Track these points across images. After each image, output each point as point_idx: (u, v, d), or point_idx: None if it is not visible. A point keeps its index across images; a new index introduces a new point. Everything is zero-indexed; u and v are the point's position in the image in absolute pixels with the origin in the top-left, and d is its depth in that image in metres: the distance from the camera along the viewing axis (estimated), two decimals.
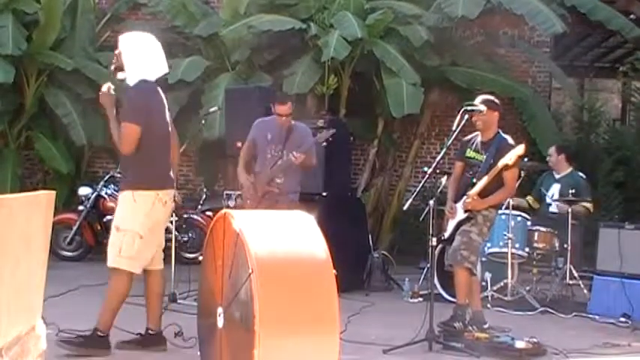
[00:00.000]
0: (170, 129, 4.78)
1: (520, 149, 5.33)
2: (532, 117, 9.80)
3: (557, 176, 7.55)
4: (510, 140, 5.50)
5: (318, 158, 7.39)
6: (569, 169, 7.57)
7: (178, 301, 6.16)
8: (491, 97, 5.65)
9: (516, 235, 6.80)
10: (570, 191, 7.08)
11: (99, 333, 4.51)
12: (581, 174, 7.53)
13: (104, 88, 4.61)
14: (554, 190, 7.48)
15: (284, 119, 6.04)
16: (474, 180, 5.42)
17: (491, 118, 5.51)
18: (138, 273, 4.58)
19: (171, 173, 4.72)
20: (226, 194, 7.72)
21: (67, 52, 9.71)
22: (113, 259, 4.50)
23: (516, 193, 6.53)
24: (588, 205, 7.26)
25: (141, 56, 4.58)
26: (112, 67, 4.70)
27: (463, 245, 5.39)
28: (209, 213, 8.76)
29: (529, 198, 7.63)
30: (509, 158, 5.26)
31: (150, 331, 4.67)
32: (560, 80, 10.52)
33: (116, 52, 4.65)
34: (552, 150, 7.71)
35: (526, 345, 4.90)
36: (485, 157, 5.47)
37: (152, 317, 4.71)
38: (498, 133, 5.55)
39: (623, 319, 6.11)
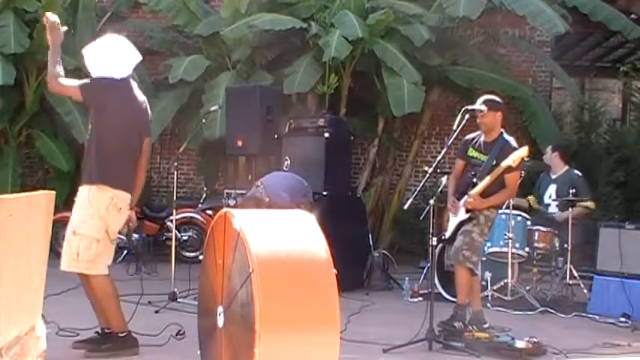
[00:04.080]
0: (140, 136, 4.69)
1: (524, 151, 5.33)
2: (533, 116, 9.80)
3: (553, 176, 7.54)
4: (514, 143, 5.50)
5: (319, 157, 7.44)
6: (565, 168, 7.55)
7: (178, 300, 6.16)
8: (493, 97, 5.65)
9: (516, 234, 6.80)
10: (571, 191, 7.07)
11: (120, 334, 4.51)
12: (577, 172, 7.50)
13: (53, 17, 4.50)
14: (551, 190, 7.47)
15: None
16: (475, 180, 5.43)
17: (495, 119, 5.50)
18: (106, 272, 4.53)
19: (133, 180, 4.64)
20: (227, 193, 7.73)
21: (67, 50, 9.66)
22: (69, 262, 4.44)
23: (516, 194, 6.53)
24: (588, 203, 7.25)
25: (101, 58, 4.61)
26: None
27: (465, 245, 5.39)
28: (209, 212, 8.77)
29: (530, 198, 7.62)
30: (513, 160, 5.26)
31: (106, 330, 4.62)
32: (561, 79, 10.52)
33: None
34: (548, 148, 7.72)
35: (526, 345, 4.90)
36: (487, 157, 5.47)
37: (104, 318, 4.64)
38: (502, 134, 5.54)
39: (623, 319, 6.12)
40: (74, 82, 4.59)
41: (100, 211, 4.44)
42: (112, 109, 4.53)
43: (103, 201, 4.45)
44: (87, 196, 4.45)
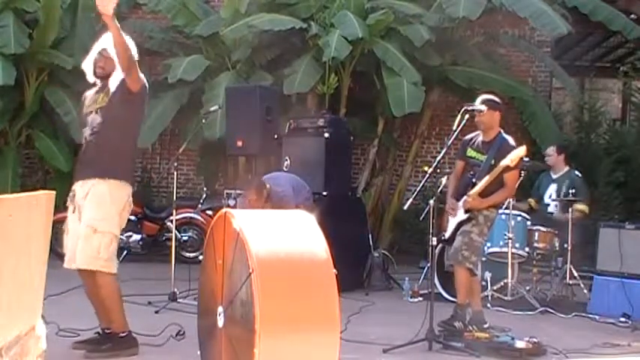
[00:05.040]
0: None
1: (521, 151, 5.33)
2: (532, 116, 9.80)
3: (554, 176, 7.55)
4: (512, 141, 5.49)
5: (319, 157, 7.44)
6: (566, 169, 7.57)
7: (178, 300, 6.16)
8: (492, 97, 5.65)
9: (516, 234, 6.80)
10: (571, 191, 7.08)
11: (120, 335, 4.51)
12: (577, 173, 7.52)
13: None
14: (552, 190, 7.48)
15: (255, 206, 5.94)
16: (474, 180, 5.42)
17: (493, 118, 5.51)
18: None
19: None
20: (226, 193, 7.73)
21: (67, 50, 9.70)
22: (88, 260, 4.40)
23: (516, 194, 6.53)
24: (583, 207, 7.26)
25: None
26: (98, 75, 4.61)
27: (464, 246, 5.39)
28: (209, 212, 8.78)
29: (530, 200, 7.63)
30: (511, 160, 5.25)
31: (106, 330, 4.62)
32: (561, 79, 10.52)
33: (100, 60, 4.57)
34: (552, 149, 7.69)
35: (526, 345, 4.90)
36: (485, 157, 5.47)
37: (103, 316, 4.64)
38: (500, 133, 5.54)
39: (623, 319, 6.12)
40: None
41: (119, 209, 4.48)
42: (140, 106, 4.61)
43: (122, 199, 4.50)
44: (107, 193, 4.44)
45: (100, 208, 4.43)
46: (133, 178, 4.66)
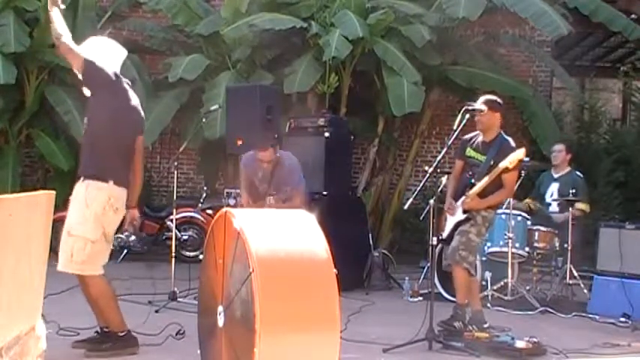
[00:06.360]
0: (134, 134, 4.68)
1: (521, 153, 5.32)
2: (533, 116, 9.81)
3: (555, 175, 7.55)
4: (512, 142, 5.48)
5: (319, 157, 7.44)
6: (568, 169, 7.57)
7: (178, 299, 6.16)
8: (494, 98, 5.63)
9: (516, 234, 6.80)
10: (571, 191, 7.09)
11: (119, 334, 4.51)
12: (579, 173, 7.53)
13: None
14: (553, 189, 7.48)
15: (266, 165, 6.04)
16: (473, 180, 5.42)
17: (493, 119, 5.49)
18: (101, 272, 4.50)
19: (128, 176, 4.58)
20: (227, 192, 7.73)
21: None
22: (64, 263, 4.37)
23: (516, 194, 6.53)
24: (584, 206, 7.26)
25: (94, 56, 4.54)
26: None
27: (462, 245, 5.39)
28: (209, 211, 8.78)
29: (527, 201, 7.61)
30: (510, 162, 5.25)
31: (105, 329, 4.61)
32: (561, 79, 10.52)
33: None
34: (561, 147, 7.64)
35: (526, 345, 4.90)
36: (485, 157, 5.46)
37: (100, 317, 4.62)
38: (500, 134, 5.53)
39: (623, 319, 6.12)
40: (81, 52, 4.52)
41: (97, 213, 4.39)
42: (106, 99, 4.50)
43: (99, 202, 4.40)
44: (83, 196, 4.40)
45: (76, 211, 4.41)
46: (119, 178, 4.49)
